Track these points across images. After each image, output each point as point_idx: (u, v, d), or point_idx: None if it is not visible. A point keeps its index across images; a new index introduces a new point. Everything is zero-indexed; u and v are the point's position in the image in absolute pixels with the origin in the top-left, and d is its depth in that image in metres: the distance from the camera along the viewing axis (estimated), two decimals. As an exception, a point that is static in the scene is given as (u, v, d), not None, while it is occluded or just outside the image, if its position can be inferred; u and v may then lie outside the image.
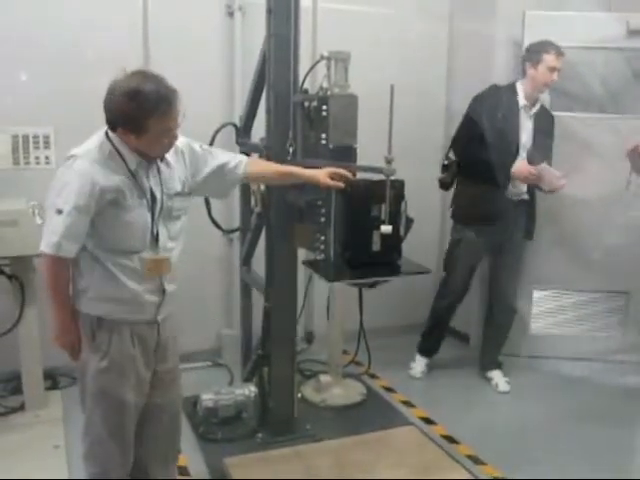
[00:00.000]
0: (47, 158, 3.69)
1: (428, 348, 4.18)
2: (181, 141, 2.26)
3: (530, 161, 3.66)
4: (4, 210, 3.19)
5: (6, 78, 3.53)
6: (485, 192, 3.73)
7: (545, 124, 3.79)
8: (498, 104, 3.68)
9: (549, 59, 3.60)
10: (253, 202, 3.33)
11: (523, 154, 3.72)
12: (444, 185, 3.95)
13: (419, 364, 4.15)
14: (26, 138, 3.64)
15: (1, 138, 3.59)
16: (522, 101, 3.72)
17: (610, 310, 4.36)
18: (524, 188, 3.79)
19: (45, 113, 3.60)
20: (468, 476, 2.91)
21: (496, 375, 4.01)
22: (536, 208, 3.93)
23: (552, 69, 3.61)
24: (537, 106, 3.76)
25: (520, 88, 3.74)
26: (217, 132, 3.43)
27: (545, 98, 4.06)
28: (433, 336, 4.16)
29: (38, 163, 3.68)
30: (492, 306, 4.08)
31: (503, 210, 3.74)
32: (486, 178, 3.62)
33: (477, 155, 3.62)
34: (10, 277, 3.33)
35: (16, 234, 3.14)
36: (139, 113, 2.02)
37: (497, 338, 4.11)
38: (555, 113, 4.07)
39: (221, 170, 2.44)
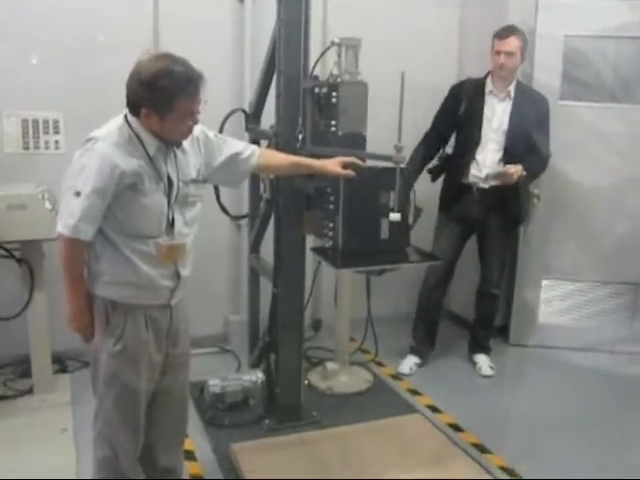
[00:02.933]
0: (57, 143, 3.69)
1: (418, 342, 4.09)
2: (196, 128, 2.25)
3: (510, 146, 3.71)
4: (14, 194, 3.20)
5: (16, 62, 3.53)
6: (447, 180, 3.94)
7: (530, 107, 3.74)
8: (466, 92, 3.80)
9: (494, 43, 3.70)
10: (262, 188, 3.32)
11: (492, 135, 3.73)
12: (432, 175, 3.97)
13: (407, 362, 4.03)
14: (36, 123, 3.63)
15: (11, 122, 3.59)
16: (489, 87, 3.78)
17: (619, 301, 4.32)
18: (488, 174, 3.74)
19: (55, 98, 3.59)
20: (474, 464, 2.91)
21: (480, 359, 4.06)
22: (522, 194, 3.84)
23: (497, 52, 3.68)
24: (507, 91, 3.74)
25: (489, 76, 3.81)
26: (227, 118, 3.43)
27: (555, 86, 4.04)
28: (422, 327, 4.07)
29: (47, 148, 3.68)
30: (479, 291, 4.11)
31: (465, 197, 3.80)
32: (448, 166, 3.87)
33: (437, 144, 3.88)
34: (19, 261, 3.35)
35: (25, 218, 3.15)
36: (168, 92, 2.01)
37: (480, 323, 4.14)
38: (566, 102, 4.05)
39: (234, 159, 2.44)
